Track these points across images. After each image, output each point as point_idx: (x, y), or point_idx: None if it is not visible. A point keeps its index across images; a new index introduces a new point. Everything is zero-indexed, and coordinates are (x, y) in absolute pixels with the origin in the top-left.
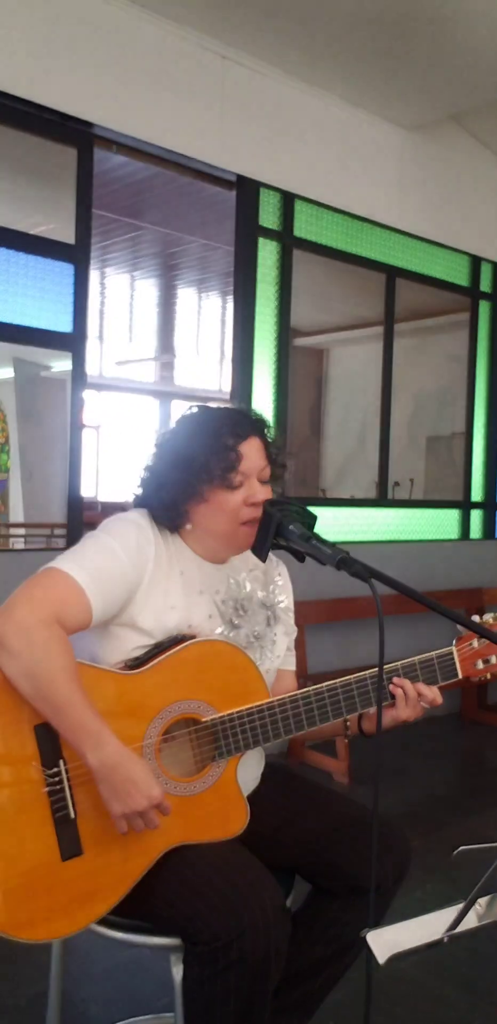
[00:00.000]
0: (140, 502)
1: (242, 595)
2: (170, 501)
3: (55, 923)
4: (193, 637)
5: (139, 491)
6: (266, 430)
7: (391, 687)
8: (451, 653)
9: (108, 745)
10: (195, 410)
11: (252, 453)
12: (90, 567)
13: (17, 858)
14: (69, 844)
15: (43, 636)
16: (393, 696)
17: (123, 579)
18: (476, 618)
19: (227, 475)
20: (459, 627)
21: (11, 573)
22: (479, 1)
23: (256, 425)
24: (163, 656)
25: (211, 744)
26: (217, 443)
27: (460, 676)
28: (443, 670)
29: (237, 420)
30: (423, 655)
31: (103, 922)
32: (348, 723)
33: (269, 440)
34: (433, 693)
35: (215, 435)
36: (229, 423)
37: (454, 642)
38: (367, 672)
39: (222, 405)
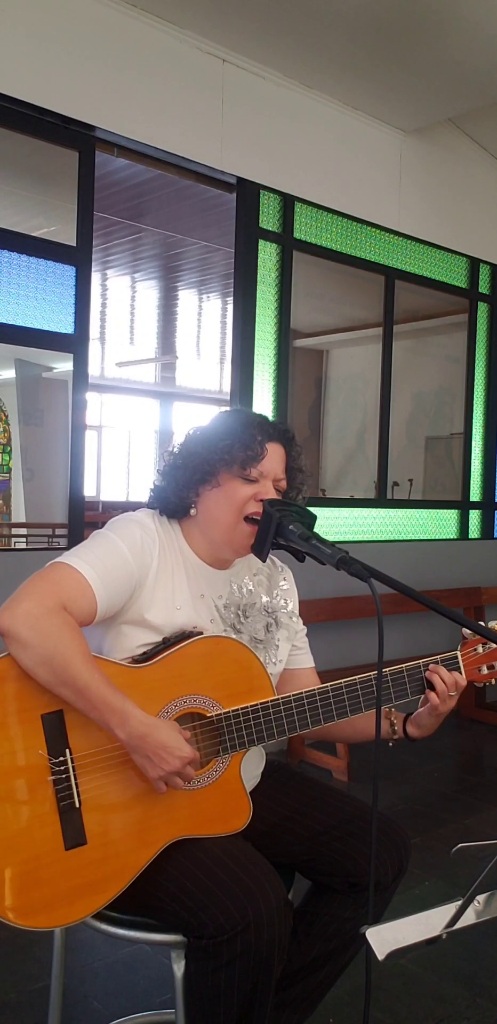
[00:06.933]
0: (155, 492)
1: (244, 600)
2: (184, 480)
3: (57, 911)
4: (200, 633)
5: (154, 483)
6: (294, 447)
7: (428, 674)
8: (455, 657)
9: (133, 718)
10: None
11: (275, 457)
12: (96, 563)
13: (21, 846)
14: (73, 833)
15: (53, 623)
16: (430, 686)
17: (128, 577)
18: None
19: (247, 465)
20: (465, 631)
21: (13, 573)
22: (477, 5)
23: (285, 436)
24: (170, 651)
25: (216, 740)
26: (245, 433)
27: (465, 679)
28: None
29: (269, 424)
30: (427, 658)
31: (105, 918)
32: (394, 725)
33: (293, 456)
34: (457, 678)
35: (245, 426)
36: (260, 422)
37: (459, 646)
38: (372, 673)
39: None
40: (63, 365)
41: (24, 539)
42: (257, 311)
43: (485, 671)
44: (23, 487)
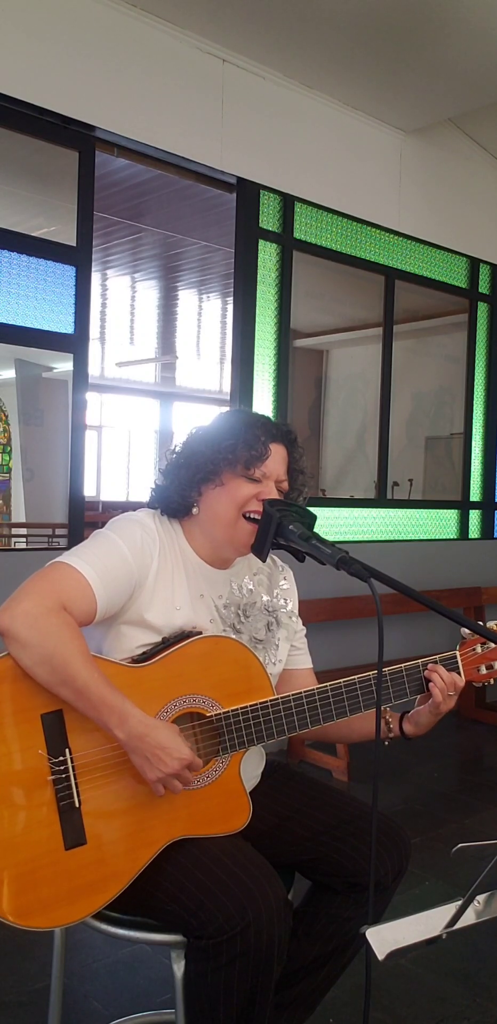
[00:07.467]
0: (157, 491)
1: (244, 600)
2: (187, 479)
3: (57, 911)
4: (199, 633)
5: (156, 483)
6: (296, 449)
7: (427, 673)
8: (455, 657)
9: (132, 717)
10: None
11: (278, 458)
12: (96, 563)
13: (21, 846)
14: (73, 833)
15: (53, 622)
16: (428, 683)
17: (128, 577)
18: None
19: (251, 464)
20: (463, 631)
21: (13, 573)
22: (477, 5)
23: (288, 437)
24: (169, 651)
25: (215, 739)
26: (249, 433)
27: (463, 680)
28: None
29: (272, 424)
30: (426, 657)
31: (105, 918)
32: (390, 723)
33: (295, 458)
34: (455, 679)
35: (249, 427)
36: (264, 422)
37: (458, 646)
38: (371, 672)
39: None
40: (63, 365)
41: (24, 539)
42: (257, 311)
43: (484, 671)
44: (23, 487)
